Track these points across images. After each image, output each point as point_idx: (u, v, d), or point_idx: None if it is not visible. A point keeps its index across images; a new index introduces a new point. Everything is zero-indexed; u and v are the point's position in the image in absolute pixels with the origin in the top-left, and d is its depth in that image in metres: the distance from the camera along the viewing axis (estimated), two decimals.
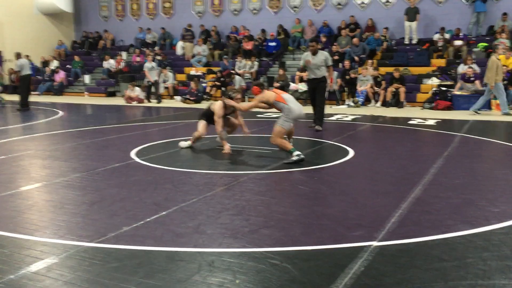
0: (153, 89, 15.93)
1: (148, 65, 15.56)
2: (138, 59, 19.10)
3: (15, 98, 16.47)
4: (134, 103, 15.33)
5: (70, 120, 11.46)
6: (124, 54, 20.13)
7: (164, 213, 4.04)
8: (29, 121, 11.14)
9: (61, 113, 12.43)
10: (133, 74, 18.25)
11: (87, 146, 7.51)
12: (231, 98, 6.81)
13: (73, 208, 4.21)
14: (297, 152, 6.06)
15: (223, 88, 16.36)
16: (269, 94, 6.46)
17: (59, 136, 8.58)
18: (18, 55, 14.13)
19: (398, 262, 3.06)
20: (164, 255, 3.18)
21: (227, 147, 6.72)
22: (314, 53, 8.75)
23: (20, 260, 3.10)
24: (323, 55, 8.88)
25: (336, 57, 15.13)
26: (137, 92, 15.82)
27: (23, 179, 5.37)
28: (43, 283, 2.78)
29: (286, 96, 6.46)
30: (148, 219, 3.87)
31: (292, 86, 14.93)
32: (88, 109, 14.35)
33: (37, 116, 11.93)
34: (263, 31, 18.18)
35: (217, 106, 6.89)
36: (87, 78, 19.59)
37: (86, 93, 18.64)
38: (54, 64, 20.30)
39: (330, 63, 8.96)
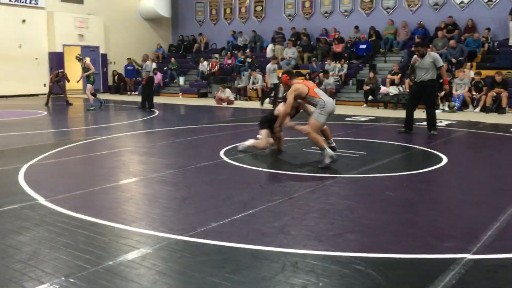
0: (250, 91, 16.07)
1: (271, 67, 14.90)
2: (229, 61, 19.65)
3: (117, 98, 17.66)
4: (224, 104, 15.80)
5: (165, 119, 12.10)
6: (217, 57, 20.84)
7: (250, 212, 4.13)
8: (129, 119, 11.94)
9: (157, 112, 13.17)
10: (224, 76, 18.81)
11: (180, 144, 7.88)
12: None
13: (166, 202, 4.46)
14: (330, 154, 5.88)
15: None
16: (302, 88, 6.19)
17: (155, 134, 9.10)
18: (146, 57, 14.85)
19: (494, 277, 2.87)
20: (249, 252, 3.26)
21: (291, 124, 6.57)
22: (422, 56, 8.41)
23: (118, 248, 3.35)
24: (430, 57, 8.44)
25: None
26: (228, 93, 16.28)
27: (122, 173, 5.78)
28: (138, 271, 2.98)
29: (318, 90, 6.30)
30: (235, 217, 3.98)
31: (383, 89, 14.52)
32: (182, 109, 15.04)
33: (136, 115, 12.74)
34: (356, 27, 17.84)
35: (280, 107, 6.67)
36: (181, 80, 20.56)
37: (180, 94, 19.55)
38: (153, 66, 21.53)
39: (440, 64, 8.51)
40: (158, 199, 4.56)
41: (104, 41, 21.51)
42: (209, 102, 16.66)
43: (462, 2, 16.42)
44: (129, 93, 20.68)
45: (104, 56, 21.58)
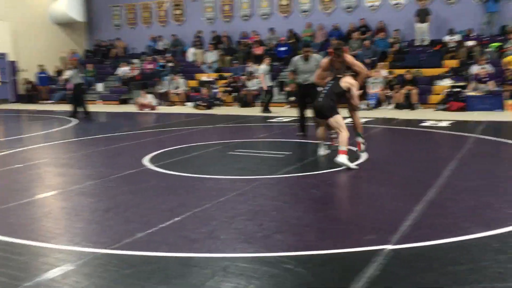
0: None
1: (266, 68, 13.86)
2: (150, 66, 19.26)
3: (30, 107, 16.67)
4: (147, 110, 15.46)
5: (83, 128, 11.58)
6: (137, 62, 20.32)
7: (177, 219, 4.06)
8: (44, 129, 11.29)
9: (75, 121, 12.58)
10: (145, 81, 18.40)
11: (100, 154, 7.58)
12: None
13: (88, 215, 4.26)
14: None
15: (234, 93, 16.43)
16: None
17: (73, 144, 8.68)
18: (75, 64, 13.94)
19: (413, 265, 3.04)
20: (178, 261, 3.19)
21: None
22: (307, 58, 8.41)
23: (37, 268, 3.14)
24: (315, 60, 8.51)
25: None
26: (149, 99, 15.95)
27: (39, 187, 5.44)
28: None
29: None
30: (162, 225, 3.89)
31: None
32: (102, 117, 14.49)
33: (51, 125, 12.08)
34: (271, 29, 18.24)
35: (350, 79, 6.32)
36: (100, 86, 19.81)
37: (99, 101, 18.83)
38: (68, 73, 20.56)
39: None
40: (79, 212, 4.35)
41: (13, 47, 20.20)
42: (131, 108, 16.21)
43: (372, 5, 17.32)
44: (43, 102, 19.57)
45: (13, 64, 20.26)
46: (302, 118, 8.75)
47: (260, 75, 14.00)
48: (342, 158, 5.83)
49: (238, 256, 3.24)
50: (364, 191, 5.07)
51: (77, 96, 13.60)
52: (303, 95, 8.58)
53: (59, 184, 5.55)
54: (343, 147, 5.91)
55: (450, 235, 3.53)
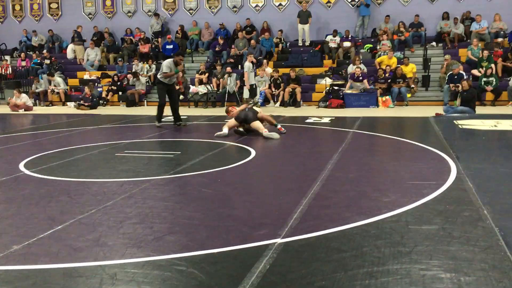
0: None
1: (249, 65, 13.43)
2: (23, 63, 17.78)
3: None
4: (21, 111, 14.25)
5: None
6: (8, 59, 18.62)
7: (59, 227, 3.79)
8: None
9: None
10: (19, 79, 16.96)
11: None
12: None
13: None
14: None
15: (120, 92, 15.81)
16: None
17: None
18: None
19: (301, 257, 3.17)
20: (61, 272, 2.97)
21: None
22: (178, 64, 9.82)
23: None
24: (182, 65, 10.13)
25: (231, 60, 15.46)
26: (24, 99, 14.73)
27: None
28: None
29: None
30: (42, 235, 3.60)
31: (192, 88, 14.84)
32: None
33: None
34: (156, 15, 17.96)
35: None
36: None
37: None
38: None
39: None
40: None
41: None
42: (2, 109, 14.82)
43: (257, 6, 17.78)
44: None
45: None
46: (161, 111, 10.02)
47: (244, 73, 13.81)
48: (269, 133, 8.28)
49: (127, 262, 3.11)
50: (253, 188, 5.17)
51: None
52: (167, 92, 10.01)
53: None
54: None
55: (334, 225, 3.74)
